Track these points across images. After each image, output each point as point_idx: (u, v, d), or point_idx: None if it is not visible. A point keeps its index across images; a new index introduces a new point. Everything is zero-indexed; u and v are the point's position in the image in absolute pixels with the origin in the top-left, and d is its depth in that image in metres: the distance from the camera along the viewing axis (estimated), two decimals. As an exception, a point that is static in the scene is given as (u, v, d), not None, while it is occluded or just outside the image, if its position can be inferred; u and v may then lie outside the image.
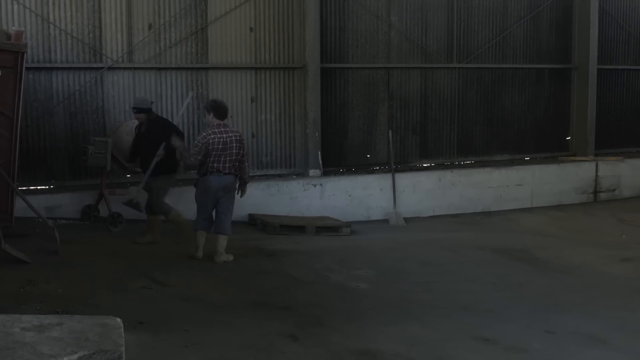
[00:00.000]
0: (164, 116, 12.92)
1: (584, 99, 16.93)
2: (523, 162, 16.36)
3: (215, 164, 9.29)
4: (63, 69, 12.15)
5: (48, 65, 12.03)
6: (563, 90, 17.14)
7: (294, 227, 12.23)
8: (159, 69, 12.83)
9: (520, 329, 7.15)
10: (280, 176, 13.80)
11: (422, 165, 15.46)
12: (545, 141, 16.95)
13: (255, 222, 12.49)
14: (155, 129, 10.27)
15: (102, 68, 12.36)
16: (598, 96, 17.08)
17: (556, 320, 7.46)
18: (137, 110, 10.38)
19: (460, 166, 15.63)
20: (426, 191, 14.43)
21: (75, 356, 3.33)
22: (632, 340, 6.94)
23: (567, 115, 17.24)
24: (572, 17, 17.00)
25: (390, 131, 14.67)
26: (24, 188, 11.45)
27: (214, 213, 9.57)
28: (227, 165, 9.31)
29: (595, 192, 16.29)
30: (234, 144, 9.37)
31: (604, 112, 17.38)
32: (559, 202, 15.66)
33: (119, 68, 12.53)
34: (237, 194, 9.68)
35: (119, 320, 3.80)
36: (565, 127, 17.27)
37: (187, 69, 13.04)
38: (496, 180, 15.16)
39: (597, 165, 16.36)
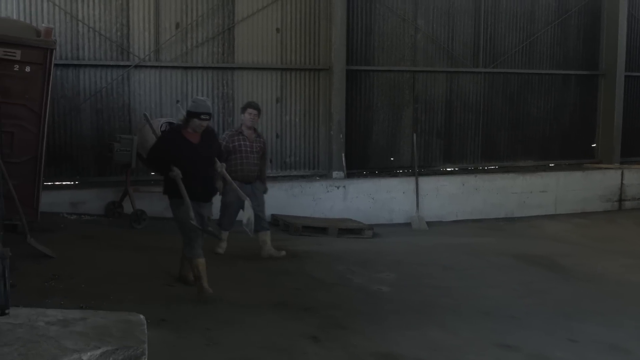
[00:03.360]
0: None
1: (611, 106, 16.78)
2: (547, 169, 16.25)
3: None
4: (90, 66, 12.24)
5: (76, 62, 12.13)
6: (589, 96, 17.01)
7: (317, 228, 12.23)
8: (185, 68, 12.88)
9: (543, 337, 7.10)
10: (303, 177, 13.81)
11: (446, 170, 15.40)
12: (570, 148, 16.83)
13: (278, 223, 12.50)
14: (213, 140, 8.19)
15: (129, 66, 12.43)
16: (625, 103, 16.92)
17: (579, 328, 7.40)
18: (209, 116, 7.80)
19: (484, 171, 15.56)
20: (449, 195, 14.37)
21: (99, 351, 3.36)
22: (656, 351, 6.87)
23: (593, 122, 17.10)
24: (600, 23, 16.87)
25: (414, 134, 14.63)
26: (50, 183, 11.56)
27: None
28: None
29: (620, 200, 16.13)
30: None
31: (631, 120, 17.22)
32: (583, 210, 15.52)
33: (146, 66, 12.60)
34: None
35: (142, 316, 3.83)
36: (591, 134, 17.14)
37: (213, 68, 13.09)
38: (520, 186, 15.06)
39: (622, 173, 16.20)
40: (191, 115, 7.55)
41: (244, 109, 10.03)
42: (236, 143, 9.67)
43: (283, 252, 9.85)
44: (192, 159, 7.49)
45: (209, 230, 7.88)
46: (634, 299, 8.78)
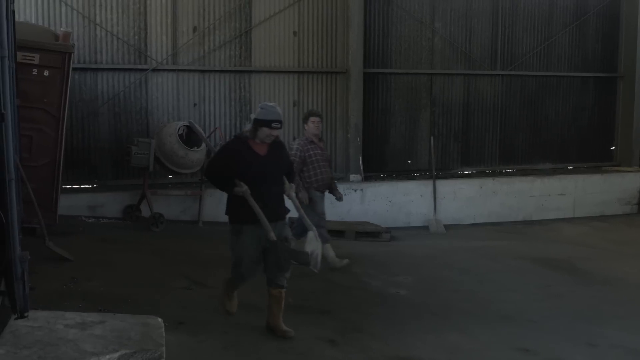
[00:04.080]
0: (207, 119, 13.03)
1: (630, 108, 16.67)
2: (566, 172, 16.16)
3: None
4: (108, 69, 12.29)
5: (94, 66, 12.19)
6: (608, 99, 16.90)
7: (334, 231, 12.17)
8: (203, 71, 12.91)
9: (562, 341, 7.04)
10: (320, 180, 13.78)
11: (464, 173, 15.35)
12: (588, 151, 16.73)
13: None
14: (283, 153, 6.95)
15: (146, 70, 12.48)
16: (644, 106, 16.81)
17: (598, 332, 7.34)
18: (280, 124, 6.68)
19: (501, 174, 15.49)
20: (467, 199, 14.32)
21: (117, 354, 3.36)
22: (677, 356, 6.80)
23: (611, 124, 16.99)
24: (619, 26, 16.76)
25: (432, 137, 14.58)
26: (68, 187, 11.61)
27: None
28: None
29: (640, 203, 16.03)
30: None
31: (650, 123, 17.09)
32: (601, 213, 15.43)
33: (163, 70, 12.64)
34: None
35: (160, 320, 3.83)
36: (610, 137, 17.03)
37: (231, 71, 13.11)
38: (538, 189, 14.99)
39: (642, 176, 16.10)
40: (260, 123, 6.50)
41: (306, 119, 9.66)
42: (311, 152, 9.42)
43: (346, 260, 9.62)
44: (260, 173, 6.46)
45: (293, 252, 6.55)
46: (654, 303, 8.70)
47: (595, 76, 16.69)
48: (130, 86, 12.43)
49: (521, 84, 15.89)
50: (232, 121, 13.16)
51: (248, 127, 6.65)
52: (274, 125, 6.51)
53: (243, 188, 6.33)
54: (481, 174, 15.35)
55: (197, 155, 11.55)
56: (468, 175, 15.23)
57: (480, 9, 15.25)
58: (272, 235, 6.26)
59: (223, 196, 12.50)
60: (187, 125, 11.71)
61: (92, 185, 12.36)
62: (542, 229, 14.12)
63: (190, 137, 11.73)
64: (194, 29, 12.81)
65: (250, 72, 13.27)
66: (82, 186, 12.27)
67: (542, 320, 7.72)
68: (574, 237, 13.38)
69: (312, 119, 9.58)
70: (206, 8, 12.87)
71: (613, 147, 17.06)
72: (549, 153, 16.32)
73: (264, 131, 6.49)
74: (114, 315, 3.93)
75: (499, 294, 8.85)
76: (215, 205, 11.76)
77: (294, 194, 6.88)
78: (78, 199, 11.71)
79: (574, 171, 16.29)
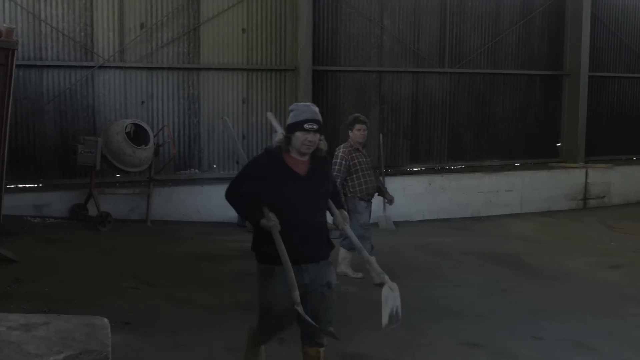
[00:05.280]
0: (155, 117, 12.90)
1: (575, 105, 16.97)
2: (513, 168, 16.38)
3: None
4: (54, 67, 12.10)
5: (39, 63, 11.98)
6: (554, 96, 17.18)
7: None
8: (151, 68, 12.79)
9: (509, 335, 7.15)
10: (270, 178, 13.73)
11: (413, 170, 15.46)
12: (535, 147, 16.98)
13: (244, 224, 12.40)
14: (328, 171, 5.44)
15: (93, 67, 12.31)
16: (589, 103, 17.13)
17: (544, 326, 7.46)
18: (318, 124, 5.00)
19: (450, 171, 15.64)
20: (416, 195, 14.42)
21: (62, 356, 3.30)
22: (620, 348, 6.94)
23: (557, 121, 17.28)
24: (564, 24, 17.04)
25: (381, 135, 14.64)
26: (12, 186, 11.41)
27: None
28: None
29: (585, 199, 16.32)
30: None
31: (595, 119, 17.43)
32: (548, 209, 15.67)
33: (110, 67, 12.49)
34: None
35: (106, 320, 3.77)
36: (556, 134, 17.31)
37: (179, 69, 13.01)
38: (486, 186, 15.17)
39: (587, 172, 16.39)
40: (292, 128, 4.95)
41: (351, 125, 9.16)
42: (356, 160, 9.05)
43: (360, 274, 9.30)
44: (299, 199, 4.97)
45: (319, 328, 4.94)
46: (599, 296, 8.87)
47: (542, 74, 16.95)
48: (77, 83, 12.26)
49: (469, 81, 16.06)
50: (180, 119, 13.06)
51: (278, 137, 5.17)
52: (307, 126, 4.91)
53: (271, 222, 4.82)
54: (430, 171, 15.48)
55: (145, 153, 11.45)
56: (417, 172, 15.34)
57: (429, 7, 15.36)
58: (296, 297, 4.70)
59: (172, 194, 12.51)
60: (134, 123, 11.61)
61: (38, 184, 12.16)
62: (490, 224, 14.29)
63: (138, 135, 11.63)
64: (142, 26, 12.68)
65: (199, 69, 13.18)
66: (27, 185, 12.06)
67: (490, 315, 7.83)
68: (522, 232, 13.57)
69: (357, 126, 9.12)
70: (154, 4, 12.74)
71: (559, 144, 17.35)
72: (496, 150, 16.52)
73: (298, 137, 4.92)
74: (59, 316, 3.86)
75: (447, 289, 8.94)
76: (163, 203, 11.70)
77: (348, 228, 5.36)
78: (23, 199, 11.51)
79: (521, 167, 16.53)
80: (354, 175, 9.03)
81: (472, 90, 16.12)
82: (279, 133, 5.17)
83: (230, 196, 5.14)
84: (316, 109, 5.04)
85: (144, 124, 11.80)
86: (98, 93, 12.46)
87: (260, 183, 4.94)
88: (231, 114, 13.39)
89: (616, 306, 8.47)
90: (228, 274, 9.03)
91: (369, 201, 9.19)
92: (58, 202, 11.72)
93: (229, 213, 12.28)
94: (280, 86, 13.89)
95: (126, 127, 11.40)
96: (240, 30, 13.45)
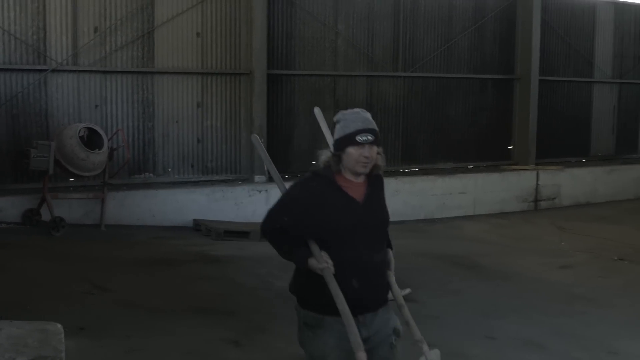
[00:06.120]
0: (109, 121, 12.81)
1: (526, 109, 17.22)
2: (466, 171, 16.56)
3: None
4: (5, 70, 11.95)
5: (-10, 66, 11.85)
6: (506, 100, 17.42)
7: (239, 232, 12.18)
8: (104, 72, 12.70)
9: (461, 335, 7.25)
10: (225, 182, 13.74)
11: (367, 173, 15.52)
12: (488, 150, 17.20)
13: (200, 228, 12.43)
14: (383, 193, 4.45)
15: (46, 70, 12.19)
16: (539, 107, 17.39)
17: (496, 325, 7.59)
18: (374, 135, 4.11)
19: (404, 174, 15.76)
20: (371, 198, 14.47)
21: (14, 362, 3.31)
22: (569, 346, 7.10)
23: (509, 124, 17.52)
24: (515, 29, 17.30)
25: (336, 138, 14.71)
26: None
27: None
28: None
29: (536, 200, 16.57)
30: None
31: (545, 123, 17.70)
32: (500, 210, 15.88)
33: (64, 71, 12.37)
34: None
35: (59, 326, 3.78)
36: (508, 137, 17.56)
37: (133, 72, 12.93)
38: (440, 188, 15.32)
39: (537, 174, 16.65)
40: (342, 144, 3.98)
41: None
42: None
43: (408, 290, 8.69)
44: (357, 230, 3.95)
45: None
46: (549, 295, 9.04)
47: (493, 78, 17.18)
48: (29, 87, 12.13)
49: (422, 85, 16.21)
50: (134, 123, 12.99)
51: (324, 156, 4.09)
52: (360, 138, 3.94)
53: (322, 264, 3.81)
54: (384, 174, 15.52)
55: (99, 157, 11.39)
56: (372, 175, 15.41)
57: (382, 11, 15.48)
58: (359, 342, 3.74)
59: (126, 198, 12.45)
60: (88, 127, 11.53)
61: (-11, 189, 12.01)
62: (443, 226, 14.44)
63: (91, 139, 11.55)
64: (95, 29, 12.59)
65: (153, 73, 13.12)
66: (-22, 190, 11.91)
67: (443, 316, 7.94)
68: (474, 234, 13.74)
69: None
70: (107, 8, 12.65)
71: (511, 147, 17.59)
72: (449, 153, 16.69)
73: (351, 155, 3.95)
74: (11, 323, 3.86)
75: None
76: (118, 207, 11.64)
77: (394, 282, 4.28)
78: (-26, 204, 11.36)
79: (474, 170, 16.72)
80: None
81: (426, 94, 16.27)
82: (325, 151, 4.10)
83: (266, 232, 4.13)
84: (368, 115, 4.07)
85: (97, 128, 11.73)
86: (51, 97, 12.34)
87: (307, 214, 3.91)
88: (186, 118, 13.36)
89: (566, 305, 8.65)
90: (181, 278, 9.02)
91: None
92: (10, 207, 11.57)
93: (184, 217, 12.36)
94: (235, 90, 13.88)
95: (80, 131, 11.32)
96: (194, 34, 13.42)
